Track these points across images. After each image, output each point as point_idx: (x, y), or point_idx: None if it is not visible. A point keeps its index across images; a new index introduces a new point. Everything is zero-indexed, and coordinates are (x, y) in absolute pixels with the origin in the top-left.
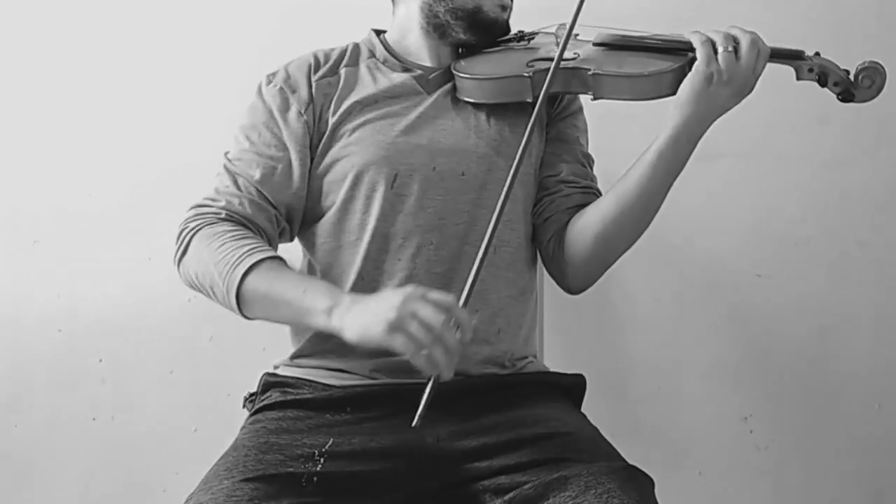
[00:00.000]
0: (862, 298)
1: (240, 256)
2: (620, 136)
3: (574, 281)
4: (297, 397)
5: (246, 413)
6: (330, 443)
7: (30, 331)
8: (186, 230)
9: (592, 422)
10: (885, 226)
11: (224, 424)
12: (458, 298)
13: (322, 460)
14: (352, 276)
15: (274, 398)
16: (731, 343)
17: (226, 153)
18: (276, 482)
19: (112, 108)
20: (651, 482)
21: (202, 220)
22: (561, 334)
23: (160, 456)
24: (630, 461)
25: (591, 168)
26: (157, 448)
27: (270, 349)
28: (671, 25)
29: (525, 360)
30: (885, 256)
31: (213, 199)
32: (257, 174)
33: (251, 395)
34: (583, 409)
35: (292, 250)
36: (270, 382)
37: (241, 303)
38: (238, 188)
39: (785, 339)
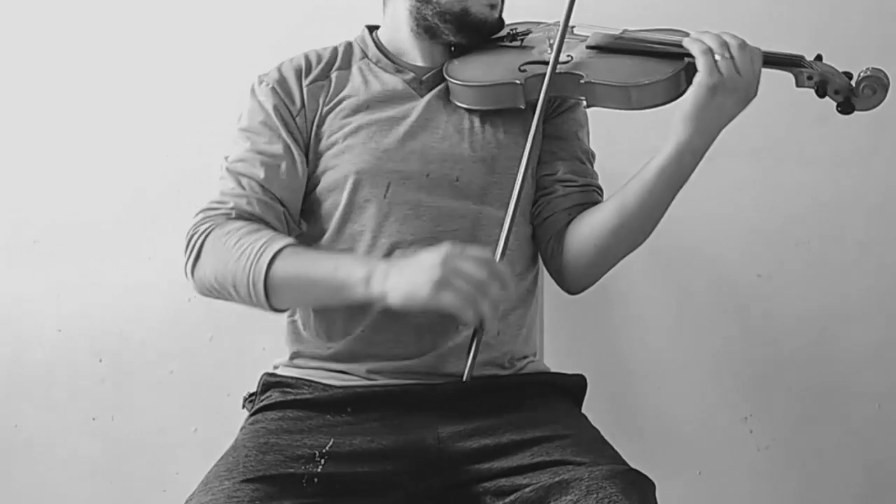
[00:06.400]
0: (862, 298)
1: (261, 246)
2: (620, 135)
3: (573, 283)
4: (297, 398)
5: (246, 413)
6: (330, 443)
7: (30, 331)
8: (197, 234)
9: (592, 422)
10: (885, 226)
11: (224, 424)
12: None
13: (323, 461)
14: None
15: (274, 398)
16: (732, 343)
17: (225, 157)
18: (277, 483)
19: (113, 110)
20: (652, 486)
21: (212, 222)
22: (561, 334)
23: (160, 456)
24: (630, 461)
25: (592, 164)
26: (157, 448)
27: (270, 349)
28: (671, 25)
29: (525, 359)
30: (885, 256)
31: (221, 202)
32: (262, 173)
33: (251, 395)
34: (583, 410)
35: None
36: (270, 382)
37: (270, 292)
38: (243, 188)
39: (785, 339)
